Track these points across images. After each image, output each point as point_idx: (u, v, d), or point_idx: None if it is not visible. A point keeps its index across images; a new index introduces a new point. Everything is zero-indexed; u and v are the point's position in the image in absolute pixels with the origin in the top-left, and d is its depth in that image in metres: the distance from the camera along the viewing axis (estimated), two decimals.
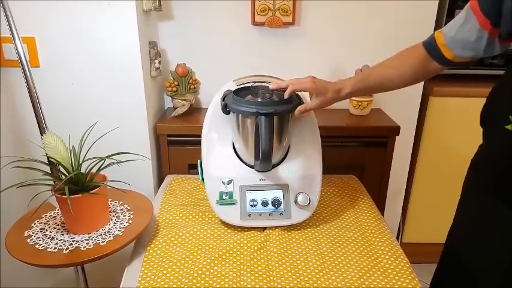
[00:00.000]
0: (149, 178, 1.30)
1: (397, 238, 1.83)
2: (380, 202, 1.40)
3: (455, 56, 0.82)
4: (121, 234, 0.91)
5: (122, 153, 0.92)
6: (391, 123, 1.37)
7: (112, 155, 0.91)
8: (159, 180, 1.36)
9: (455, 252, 0.91)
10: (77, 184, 0.89)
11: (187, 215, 1.07)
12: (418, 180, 1.72)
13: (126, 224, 0.95)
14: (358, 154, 1.36)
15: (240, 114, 0.97)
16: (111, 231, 0.92)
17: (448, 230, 0.97)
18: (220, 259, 0.90)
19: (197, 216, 1.07)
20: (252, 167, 1.03)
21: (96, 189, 0.88)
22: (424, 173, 1.71)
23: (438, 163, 1.68)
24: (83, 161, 0.91)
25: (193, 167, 1.33)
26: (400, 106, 1.54)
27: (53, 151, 0.86)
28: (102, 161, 0.92)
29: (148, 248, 0.94)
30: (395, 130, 1.34)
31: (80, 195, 0.87)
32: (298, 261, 0.90)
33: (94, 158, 0.92)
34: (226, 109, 0.99)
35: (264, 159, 0.91)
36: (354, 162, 1.34)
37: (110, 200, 1.05)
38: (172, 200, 1.15)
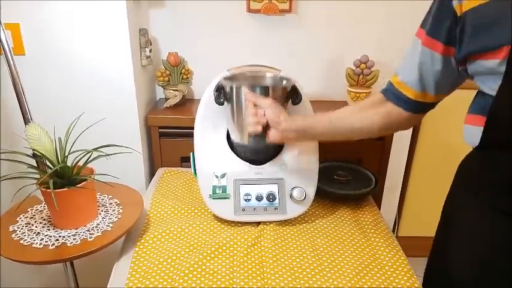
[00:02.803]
0: (140, 171, 1.26)
1: (393, 231, 1.82)
2: (376, 196, 1.37)
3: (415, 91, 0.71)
4: (109, 229, 0.88)
5: (109, 145, 0.88)
6: None
7: (99, 148, 0.87)
8: (151, 173, 1.33)
9: (441, 243, 0.86)
10: (62, 177, 0.85)
11: (179, 209, 1.04)
12: (415, 173, 1.71)
13: (115, 219, 0.91)
14: (355, 147, 1.33)
15: (235, 99, 0.93)
16: (99, 226, 0.89)
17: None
18: (212, 255, 0.87)
19: (189, 211, 1.04)
20: (247, 160, 1.00)
21: (82, 183, 0.84)
22: (421, 167, 1.69)
23: (436, 157, 1.67)
24: (69, 154, 0.87)
25: (185, 160, 1.29)
26: None
27: (37, 143, 0.82)
28: (89, 154, 0.88)
29: (138, 243, 0.91)
30: None
31: (65, 189, 0.83)
32: (293, 258, 0.88)
33: (81, 150, 0.88)
34: (219, 99, 0.95)
35: None
36: (350, 155, 1.31)
37: (98, 193, 1.01)
38: (163, 194, 1.12)
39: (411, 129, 1.61)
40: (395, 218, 1.82)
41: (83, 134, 0.91)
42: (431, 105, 0.76)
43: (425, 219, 1.74)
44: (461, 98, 1.56)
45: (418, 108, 0.75)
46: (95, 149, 0.87)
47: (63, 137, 0.89)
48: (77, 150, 0.88)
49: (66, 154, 0.87)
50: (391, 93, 0.76)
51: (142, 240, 0.92)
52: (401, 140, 1.58)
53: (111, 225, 0.89)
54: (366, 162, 1.32)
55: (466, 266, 0.72)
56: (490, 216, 0.66)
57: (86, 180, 0.85)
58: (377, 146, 1.32)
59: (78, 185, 0.84)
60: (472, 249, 0.71)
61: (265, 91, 0.91)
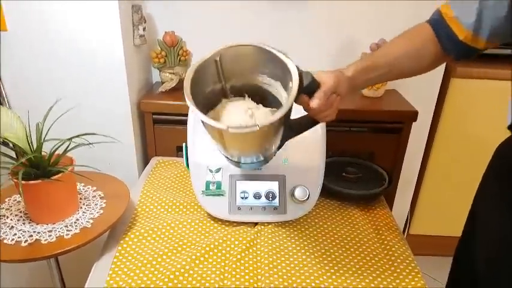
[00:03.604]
0: (132, 161, 1.17)
1: (404, 229, 1.71)
2: (389, 195, 1.26)
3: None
4: (89, 226, 0.80)
5: (90, 134, 0.79)
6: (408, 107, 1.21)
7: (77, 136, 0.78)
8: (144, 163, 1.24)
9: (469, 251, 0.79)
10: (38, 168, 0.76)
11: (170, 204, 0.95)
12: (432, 169, 1.59)
13: (97, 214, 0.83)
14: (368, 141, 1.22)
15: None
16: (78, 222, 0.81)
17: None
18: (202, 258, 0.79)
19: (181, 207, 0.95)
20: None
21: (58, 175, 0.76)
22: (438, 162, 1.58)
23: (455, 152, 1.55)
24: (44, 141, 0.78)
25: (181, 150, 1.20)
26: (418, 87, 1.38)
27: (7, 129, 0.73)
28: (68, 143, 0.79)
29: (121, 241, 0.83)
30: (413, 115, 1.18)
31: (39, 181, 0.74)
32: (292, 265, 0.78)
33: (59, 139, 0.79)
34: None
35: None
36: (361, 150, 1.20)
37: (82, 184, 0.93)
38: (155, 186, 1.03)
39: (430, 120, 1.48)
40: (408, 215, 1.71)
41: (67, 121, 0.82)
42: (474, 53, 0.68)
43: (438, 217, 1.68)
44: (489, 88, 1.47)
45: (462, 52, 0.68)
46: (73, 138, 0.78)
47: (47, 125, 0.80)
48: (56, 139, 0.80)
49: (42, 142, 0.78)
50: (442, 29, 0.68)
51: (127, 238, 0.83)
52: (418, 132, 1.45)
53: (91, 221, 0.81)
54: (378, 157, 1.21)
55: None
56: None
57: (63, 171, 0.76)
58: (392, 139, 1.21)
59: (53, 177, 0.75)
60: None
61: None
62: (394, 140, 1.21)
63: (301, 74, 0.63)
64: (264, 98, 0.71)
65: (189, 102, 0.60)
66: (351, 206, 0.99)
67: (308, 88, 0.64)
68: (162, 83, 1.24)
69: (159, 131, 1.19)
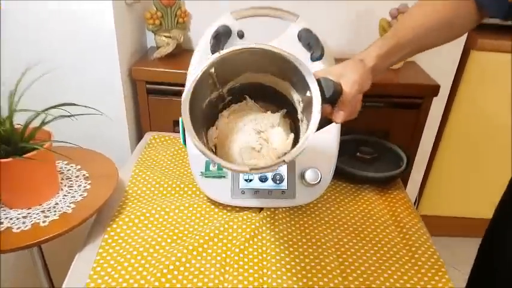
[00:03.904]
0: (123, 136, 1.06)
1: None
2: (404, 176, 1.16)
3: None
4: (70, 211, 0.69)
5: (68, 104, 0.67)
6: (429, 80, 1.10)
7: (55, 107, 0.67)
8: (137, 139, 1.13)
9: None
10: (8, 144, 0.65)
11: (165, 186, 0.85)
12: (444, 148, 1.50)
13: (79, 198, 0.73)
14: (383, 117, 1.11)
15: None
16: (57, 206, 0.70)
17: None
18: (200, 249, 0.69)
19: (177, 189, 0.84)
20: None
21: (33, 153, 0.65)
22: (452, 141, 1.48)
23: (470, 130, 1.46)
24: (15, 111, 0.66)
25: (179, 124, 1.09)
26: (436, 60, 1.25)
27: None
28: (45, 115, 0.68)
29: (108, 229, 0.73)
30: (434, 90, 1.07)
31: (10, 159, 0.63)
32: (302, 256, 0.69)
33: (34, 111, 0.68)
34: (217, 49, 0.73)
35: None
36: (376, 127, 1.09)
37: (65, 163, 0.82)
38: (148, 166, 0.92)
39: (447, 95, 1.37)
40: (417, 196, 1.63)
41: (48, 90, 0.70)
42: None
43: (449, 198, 1.61)
44: (507, 62, 1.36)
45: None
46: (49, 109, 0.66)
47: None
48: (32, 110, 0.68)
49: (13, 111, 0.67)
50: None
51: (114, 225, 0.74)
52: (433, 107, 1.34)
53: (72, 205, 0.71)
54: (394, 135, 1.10)
55: None
56: None
57: (38, 148, 0.65)
58: (409, 116, 1.10)
59: (27, 155, 0.64)
60: None
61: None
62: (412, 117, 1.10)
63: (320, 84, 0.53)
64: (266, 95, 0.61)
65: (196, 142, 0.50)
66: (366, 190, 0.89)
67: (330, 98, 0.54)
68: (158, 47, 1.11)
69: (154, 103, 1.07)
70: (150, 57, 1.11)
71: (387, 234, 0.77)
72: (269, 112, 0.61)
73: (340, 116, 0.55)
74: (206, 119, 0.59)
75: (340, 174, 0.89)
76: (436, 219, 1.66)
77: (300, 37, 0.80)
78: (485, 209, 1.67)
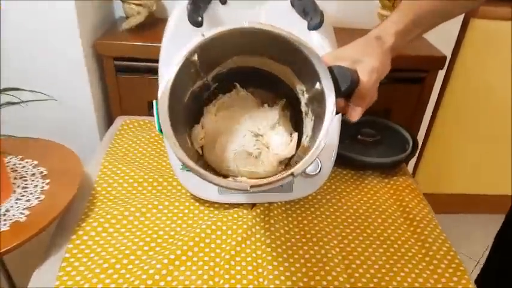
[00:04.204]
0: (90, 123, 0.92)
1: None
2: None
3: None
4: (23, 220, 0.57)
5: (13, 89, 0.54)
6: (433, 51, 1.00)
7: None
8: (108, 125, 0.99)
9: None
10: None
11: (141, 181, 0.73)
12: (441, 121, 1.43)
13: (35, 202, 0.60)
14: (384, 94, 0.99)
15: None
16: (8, 214, 0.58)
17: None
18: (184, 258, 0.59)
19: (155, 184, 0.73)
20: None
21: None
22: (449, 114, 1.42)
23: (467, 104, 1.39)
24: None
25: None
26: (434, 30, 1.15)
27: None
28: None
29: (74, 237, 0.61)
30: (440, 62, 0.97)
31: None
32: (303, 260, 0.61)
33: None
34: (196, 17, 0.61)
35: None
36: (376, 105, 0.99)
37: (18, 158, 0.69)
38: (120, 157, 0.79)
39: (445, 67, 1.29)
40: (412, 171, 1.57)
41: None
42: None
43: (442, 175, 1.56)
44: (504, 31, 1.28)
45: None
46: None
47: None
48: None
49: None
50: None
51: (81, 232, 0.62)
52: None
53: (27, 212, 0.58)
54: (396, 114, 1.01)
55: None
56: None
57: None
58: (412, 92, 1.00)
59: None
60: None
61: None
62: (414, 92, 1.01)
63: (333, 75, 0.43)
64: (259, 80, 0.51)
65: (180, 155, 0.42)
66: (369, 177, 0.80)
67: (346, 91, 0.44)
68: (127, 17, 0.97)
69: (124, 82, 0.94)
70: (118, 29, 0.97)
71: (396, 228, 0.68)
72: (266, 106, 0.50)
73: (357, 113, 0.45)
74: (189, 115, 0.48)
75: (340, 160, 0.79)
76: (428, 196, 1.61)
77: (293, 3, 0.68)
78: (486, 184, 1.64)
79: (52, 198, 0.61)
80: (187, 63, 0.43)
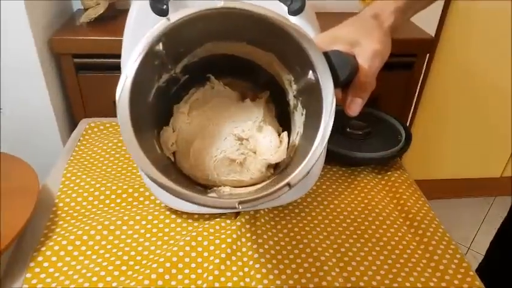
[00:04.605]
0: (51, 129, 0.83)
1: None
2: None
3: None
4: None
5: None
6: (420, 33, 0.94)
7: None
8: (71, 129, 0.90)
9: None
10: None
11: (108, 193, 0.64)
12: (425, 106, 1.40)
13: None
14: None
15: None
16: None
17: None
18: (160, 282, 0.51)
19: (125, 195, 0.64)
20: None
21: None
22: (433, 100, 1.38)
23: (450, 88, 1.36)
24: None
25: None
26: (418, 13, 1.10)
27: None
28: None
29: (32, 264, 0.53)
30: (427, 45, 0.92)
31: None
32: (296, 276, 0.54)
33: None
34: (160, 5, 0.52)
35: None
36: None
37: None
38: (85, 166, 0.70)
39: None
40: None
41: None
42: None
43: (425, 160, 1.53)
44: (492, 10, 1.24)
45: None
46: None
47: None
48: None
49: None
50: None
51: (40, 258, 0.53)
52: None
53: None
54: (384, 103, 0.95)
55: None
56: None
57: None
58: (401, 78, 0.95)
59: None
60: None
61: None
62: (403, 79, 0.95)
63: (330, 62, 0.36)
64: (235, 67, 0.44)
65: (151, 174, 0.34)
66: (361, 173, 0.74)
67: (344, 81, 0.38)
68: (85, 10, 0.87)
69: (86, 81, 0.85)
70: (76, 23, 0.87)
71: (396, 230, 0.62)
72: (247, 101, 0.43)
73: (357, 105, 0.38)
74: (156, 116, 0.41)
75: (329, 157, 0.73)
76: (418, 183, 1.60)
77: None
78: (470, 168, 1.62)
79: (3, 221, 0.52)
80: (150, 54, 0.36)
